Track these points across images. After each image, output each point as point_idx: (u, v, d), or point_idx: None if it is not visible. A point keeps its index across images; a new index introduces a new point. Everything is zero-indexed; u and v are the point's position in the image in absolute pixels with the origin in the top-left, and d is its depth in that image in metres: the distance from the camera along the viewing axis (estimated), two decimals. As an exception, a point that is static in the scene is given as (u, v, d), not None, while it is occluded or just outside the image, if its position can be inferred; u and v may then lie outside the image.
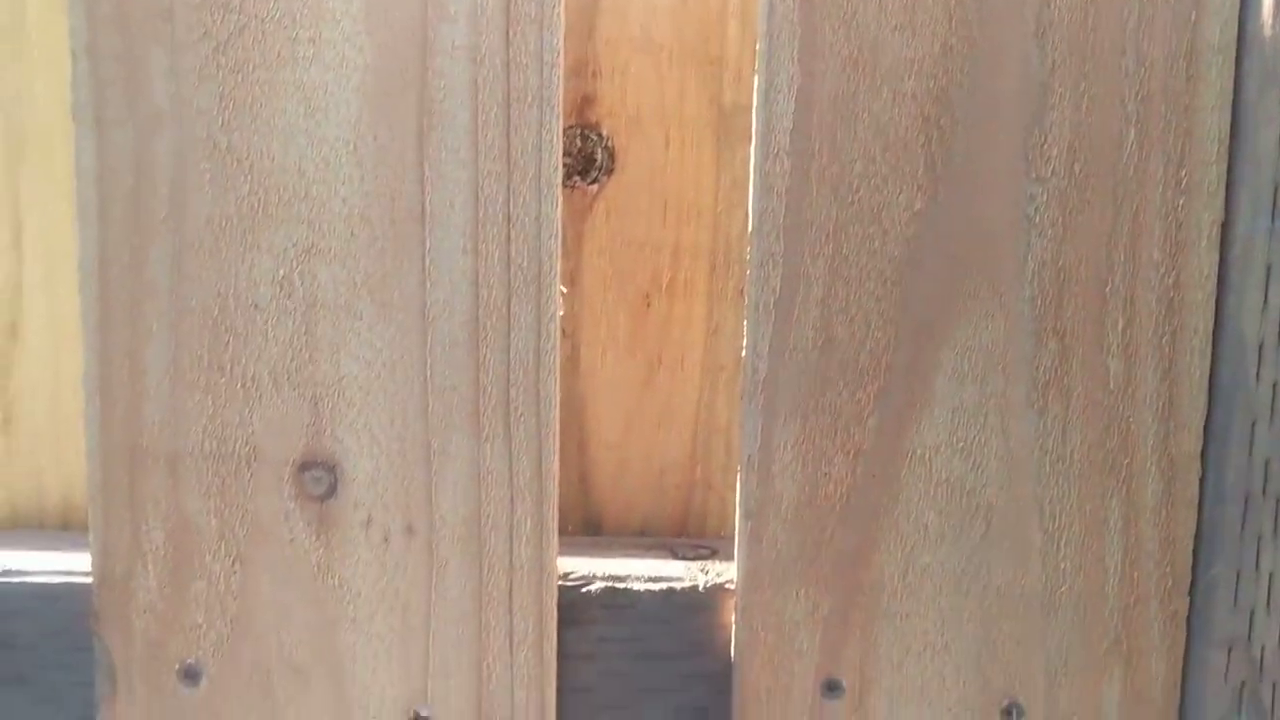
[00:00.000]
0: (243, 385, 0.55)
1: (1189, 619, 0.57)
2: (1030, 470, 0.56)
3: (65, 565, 0.60)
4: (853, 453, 0.56)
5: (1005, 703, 0.58)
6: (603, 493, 0.68)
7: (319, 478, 0.55)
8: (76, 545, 0.62)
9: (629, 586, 0.61)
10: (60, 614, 0.60)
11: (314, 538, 0.56)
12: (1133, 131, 0.55)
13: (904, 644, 0.58)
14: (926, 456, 0.56)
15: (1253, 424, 0.56)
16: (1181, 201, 0.55)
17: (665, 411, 0.67)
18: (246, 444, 0.55)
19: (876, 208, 0.55)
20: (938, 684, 0.58)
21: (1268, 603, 0.57)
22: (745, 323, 0.56)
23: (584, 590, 0.61)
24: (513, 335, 0.55)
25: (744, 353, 0.56)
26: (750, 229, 0.55)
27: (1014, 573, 0.57)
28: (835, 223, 0.55)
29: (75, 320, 0.63)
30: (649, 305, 0.66)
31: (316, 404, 0.55)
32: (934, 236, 0.55)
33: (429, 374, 0.55)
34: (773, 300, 0.55)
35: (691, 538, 0.67)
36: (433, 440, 0.55)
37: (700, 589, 0.61)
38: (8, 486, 0.66)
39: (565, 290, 0.63)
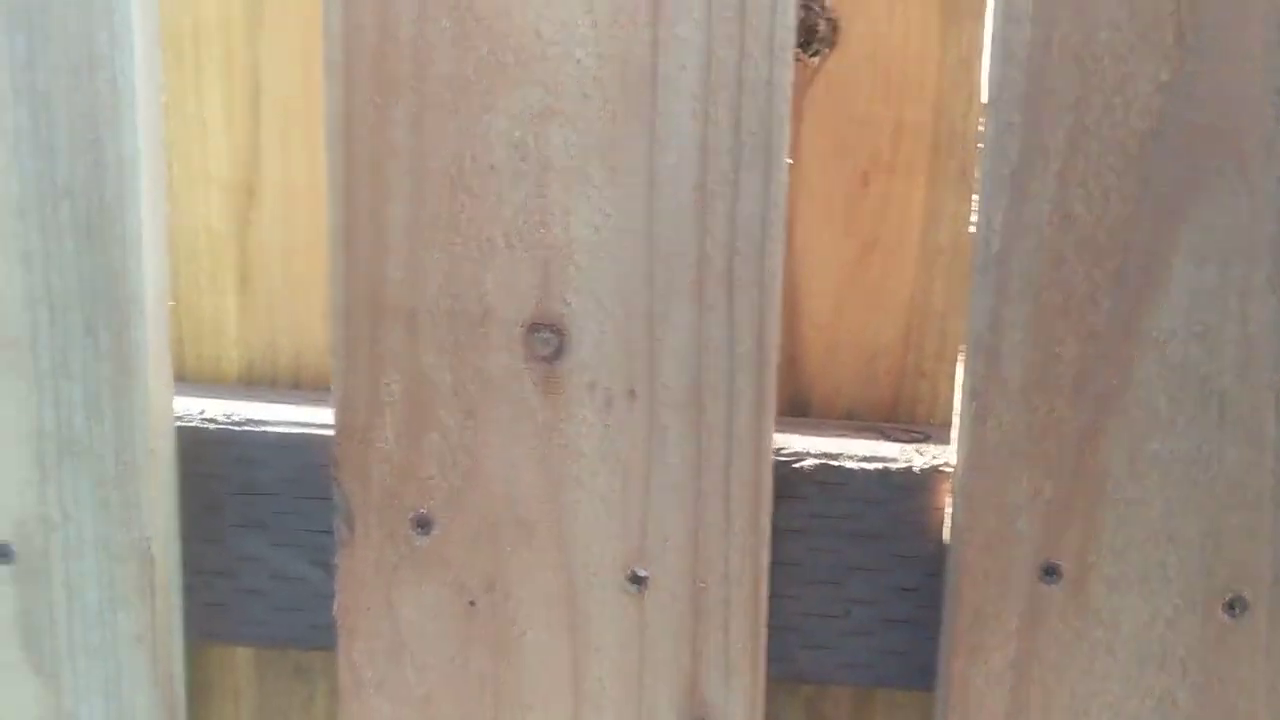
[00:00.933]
0: (477, 245, 0.56)
1: None
2: (1268, 357, 0.54)
3: (302, 418, 0.63)
4: (1085, 334, 0.55)
5: (1229, 596, 0.57)
6: (811, 375, 0.68)
7: (547, 339, 0.57)
8: (309, 402, 0.65)
9: (842, 464, 0.61)
10: (297, 463, 0.63)
11: (541, 397, 0.57)
12: (1405, 2, 0.52)
13: (1127, 532, 0.57)
14: (1161, 340, 0.55)
15: None
16: None
17: (878, 294, 0.66)
18: (479, 303, 0.56)
19: (1120, 78, 0.53)
20: (1160, 573, 0.57)
21: None
22: (978, 196, 0.55)
23: (796, 466, 0.61)
24: (739, 204, 0.55)
25: (975, 228, 0.55)
26: (987, 99, 0.54)
27: (1246, 463, 0.55)
28: (1076, 93, 0.53)
29: (308, 182, 0.66)
30: (867, 184, 0.65)
31: (546, 266, 0.56)
32: (1180, 110, 0.53)
33: (654, 240, 0.56)
34: (1008, 172, 0.54)
35: (901, 424, 0.67)
36: (656, 307, 0.56)
37: (915, 470, 0.61)
38: (244, 344, 0.69)
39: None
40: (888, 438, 0.64)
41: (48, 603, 0.62)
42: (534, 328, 0.57)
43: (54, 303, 0.58)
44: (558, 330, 0.57)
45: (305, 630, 0.65)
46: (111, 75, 0.56)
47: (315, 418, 0.63)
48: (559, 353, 0.57)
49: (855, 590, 0.62)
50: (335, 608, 0.60)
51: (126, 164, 0.57)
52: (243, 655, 0.72)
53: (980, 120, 0.55)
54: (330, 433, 0.60)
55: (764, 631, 0.59)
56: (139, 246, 0.58)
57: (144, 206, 0.57)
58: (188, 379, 0.70)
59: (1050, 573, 0.57)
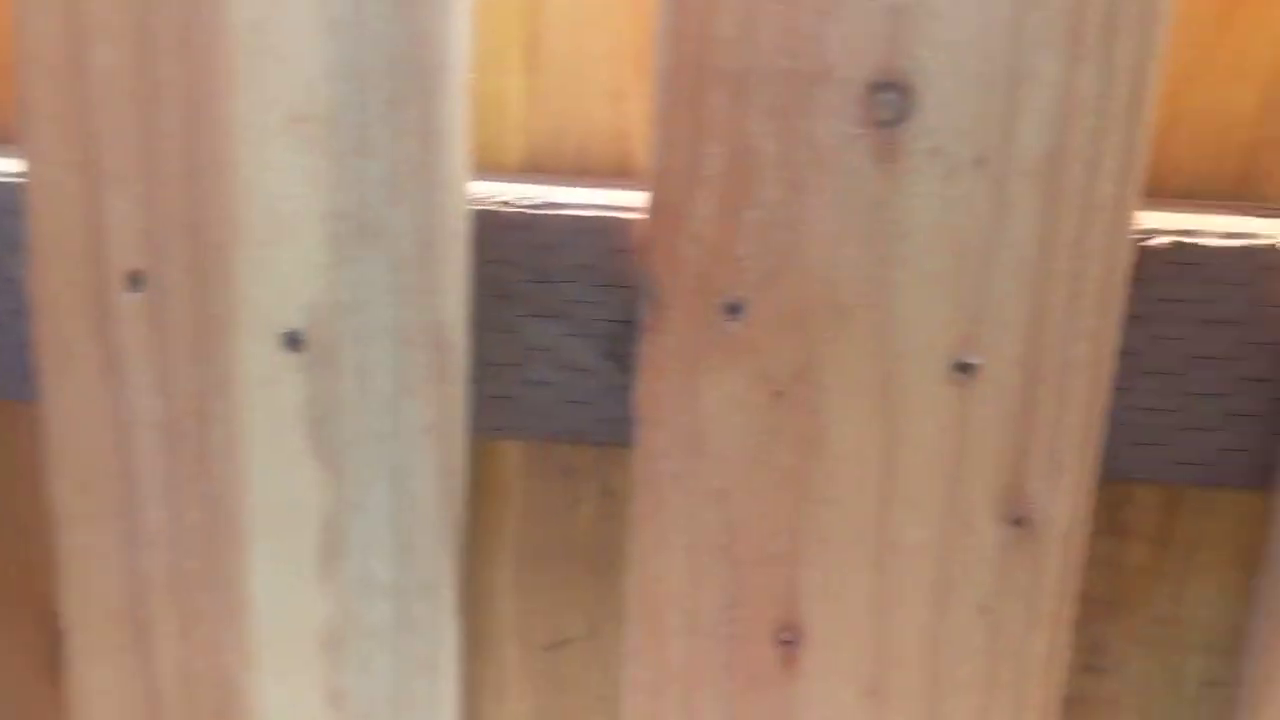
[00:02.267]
0: (819, -5, 0.51)
1: None
2: None
3: (600, 200, 0.60)
4: None
5: None
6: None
7: (890, 101, 0.52)
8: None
9: (1199, 242, 0.55)
10: (596, 248, 0.59)
11: (876, 167, 0.52)
12: None
13: None
14: None
15: None
16: None
17: (1239, 58, 0.59)
18: (818, 60, 0.51)
19: None
20: None
21: None
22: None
23: (1146, 245, 0.56)
24: (1121, -62, 0.49)
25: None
26: None
27: None
28: None
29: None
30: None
31: (898, 16, 0.51)
32: None
33: (1022, -17, 0.50)
34: None
35: (1249, 202, 0.61)
36: (1021, 60, 0.50)
37: (1285, 246, 0.55)
38: (528, 130, 0.65)
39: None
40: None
41: (336, 390, 0.59)
42: (877, 87, 0.52)
43: (360, 74, 0.54)
44: (903, 89, 0.51)
45: (592, 424, 0.62)
46: None
47: (614, 200, 0.59)
48: (902, 115, 0.52)
49: (1197, 382, 0.57)
50: (635, 397, 0.57)
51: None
52: (511, 452, 0.70)
53: None
54: (632, 215, 0.57)
55: (1098, 424, 0.55)
56: (449, 6, 0.53)
57: (450, -38, 0.53)
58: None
59: None
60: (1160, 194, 0.62)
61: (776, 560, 0.59)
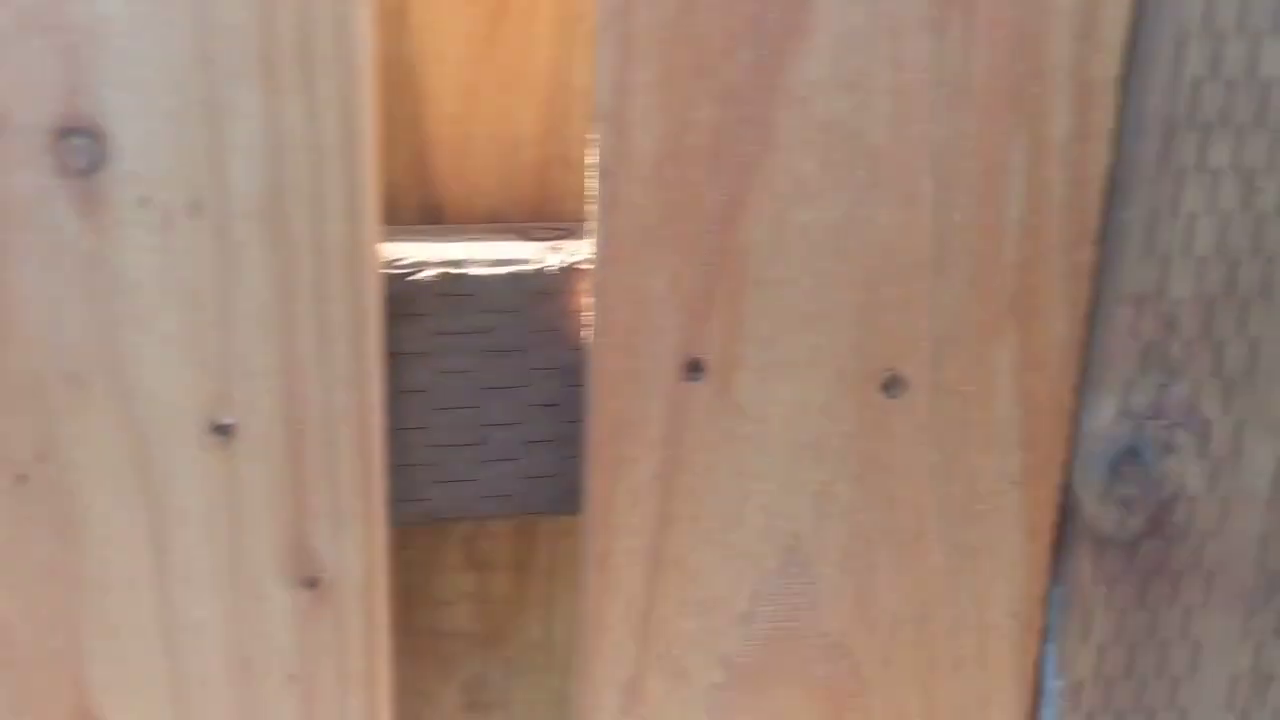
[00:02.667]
0: (-30, 31, 0.44)
1: (1095, 271, 0.52)
2: (924, 106, 0.49)
3: None
4: (721, 94, 0.48)
5: (886, 376, 0.53)
6: (443, 175, 0.59)
7: (80, 147, 0.45)
8: None
9: (467, 272, 0.53)
10: None
11: (80, 221, 0.46)
12: None
13: (774, 316, 0.51)
14: (805, 95, 0.48)
15: (1179, 43, 0.49)
16: None
17: (515, 74, 0.58)
18: (-13, 106, 0.45)
19: None
20: (810, 358, 0.52)
21: (1185, 249, 0.51)
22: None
23: (414, 278, 0.53)
24: (307, -40, 0.45)
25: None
26: None
27: (900, 227, 0.50)
28: None
29: None
30: (481, -60, 0.56)
31: (74, 53, 0.44)
32: None
33: (206, 8, 0.45)
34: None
35: (547, 222, 0.59)
36: (218, 94, 0.46)
37: (549, 271, 0.53)
38: None
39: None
40: (530, 238, 0.57)
41: None
42: (64, 133, 0.45)
43: None
44: (94, 134, 0.45)
45: None
46: None
47: None
48: (98, 163, 0.46)
49: (492, 412, 0.55)
50: None
51: None
52: None
53: None
54: None
55: (380, 471, 0.51)
56: None
57: None
58: None
59: (694, 369, 0.51)
60: (468, 219, 0.60)
61: (58, 658, 0.52)
